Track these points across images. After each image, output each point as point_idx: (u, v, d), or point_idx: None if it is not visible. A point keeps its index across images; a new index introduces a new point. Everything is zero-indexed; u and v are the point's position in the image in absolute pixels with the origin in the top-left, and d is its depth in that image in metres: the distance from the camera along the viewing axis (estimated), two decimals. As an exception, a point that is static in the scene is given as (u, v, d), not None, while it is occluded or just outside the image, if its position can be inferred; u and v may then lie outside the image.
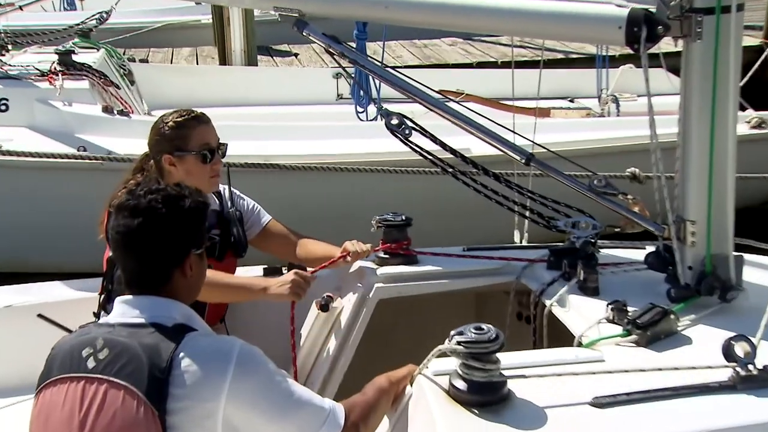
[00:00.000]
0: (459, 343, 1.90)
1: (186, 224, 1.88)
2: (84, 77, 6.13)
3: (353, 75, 5.40)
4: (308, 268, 2.80)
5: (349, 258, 2.74)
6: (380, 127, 2.89)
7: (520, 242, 3.19)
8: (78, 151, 5.34)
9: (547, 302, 2.57)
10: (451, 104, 2.86)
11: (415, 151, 2.84)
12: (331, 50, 2.79)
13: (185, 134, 2.69)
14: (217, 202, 2.89)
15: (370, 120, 6.81)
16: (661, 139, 2.42)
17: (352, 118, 6.84)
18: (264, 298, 2.62)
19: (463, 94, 6.82)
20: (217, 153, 2.74)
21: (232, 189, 2.93)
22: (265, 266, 3.11)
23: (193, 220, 1.90)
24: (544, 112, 6.79)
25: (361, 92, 6.87)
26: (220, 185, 2.90)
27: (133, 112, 6.19)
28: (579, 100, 7.63)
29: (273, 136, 5.70)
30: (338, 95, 7.78)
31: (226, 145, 2.78)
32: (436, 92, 2.93)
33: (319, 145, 5.66)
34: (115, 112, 5.88)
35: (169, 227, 1.86)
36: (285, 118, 6.62)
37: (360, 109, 7.03)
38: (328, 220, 4.85)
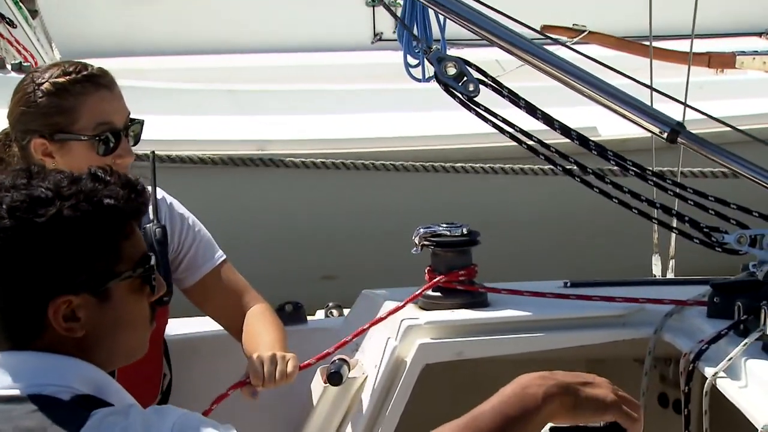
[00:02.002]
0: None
1: (44, 249, 1.89)
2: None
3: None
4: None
5: (258, 388, 2.74)
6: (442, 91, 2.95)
7: (662, 274, 3.24)
8: None
9: (709, 371, 2.55)
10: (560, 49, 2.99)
11: (485, 120, 2.86)
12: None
13: (70, 105, 2.72)
14: None
15: (429, 79, 6.75)
16: None
17: (397, 75, 6.77)
18: None
19: (584, 32, 6.86)
20: (124, 137, 2.76)
21: (158, 192, 2.93)
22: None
23: (62, 242, 1.89)
24: (723, 60, 6.73)
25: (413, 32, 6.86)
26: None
27: (37, 65, 6.17)
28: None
29: (267, 108, 5.80)
30: (375, 35, 7.75)
31: (142, 122, 2.83)
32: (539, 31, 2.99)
33: (344, 121, 5.74)
34: (8, 66, 5.88)
35: (16, 251, 1.88)
36: (287, 76, 6.66)
37: (413, 61, 6.96)
38: (351, 241, 5.03)
